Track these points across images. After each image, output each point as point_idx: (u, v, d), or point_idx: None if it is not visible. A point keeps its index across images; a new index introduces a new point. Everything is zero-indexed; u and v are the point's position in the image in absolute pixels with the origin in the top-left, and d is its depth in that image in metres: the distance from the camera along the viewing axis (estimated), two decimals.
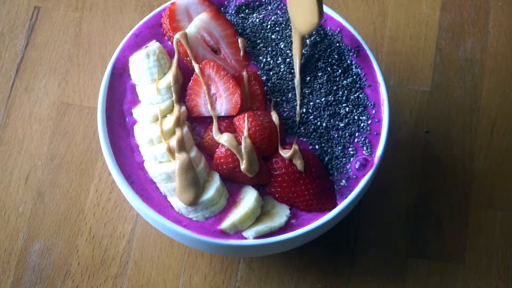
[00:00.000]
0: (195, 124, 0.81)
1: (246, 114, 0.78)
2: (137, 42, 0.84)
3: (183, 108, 0.79)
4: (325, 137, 0.81)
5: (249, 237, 0.77)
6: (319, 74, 0.83)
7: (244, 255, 0.88)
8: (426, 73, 1.02)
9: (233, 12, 0.86)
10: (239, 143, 0.77)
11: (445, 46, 1.03)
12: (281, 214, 0.79)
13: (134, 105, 0.82)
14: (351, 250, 0.92)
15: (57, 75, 1.00)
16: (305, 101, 0.82)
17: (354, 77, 0.83)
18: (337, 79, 0.83)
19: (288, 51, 0.83)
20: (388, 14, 1.05)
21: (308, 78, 0.82)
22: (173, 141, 0.77)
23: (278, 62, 0.83)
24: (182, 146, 0.77)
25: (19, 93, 0.99)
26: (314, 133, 0.81)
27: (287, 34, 0.84)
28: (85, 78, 1.00)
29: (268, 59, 0.83)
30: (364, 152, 0.81)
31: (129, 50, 0.84)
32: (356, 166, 0.80)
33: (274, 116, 0.80)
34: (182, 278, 0.91)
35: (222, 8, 0.87)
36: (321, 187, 0.79)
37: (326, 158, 0.81)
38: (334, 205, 0.79)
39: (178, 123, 0.78)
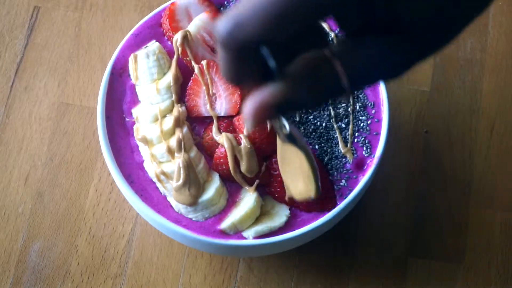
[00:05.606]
0: (195, 124, 0.81)
1: None
2: (137, 42, 0.84)
3: (183, 108, 0.79)
4: (325, 137, 0.81)
5: (249, 237, 0.77)
6: None
7: (244, 255, 0.88)
8: (426, 73, 1.01)
9: None
10: (239, 143, 0.77)
11: None
12: (281, 214, 0.79)
13: (134, 105, 0.82)
14: (351, 250, 0.92)
15: (57, 75, 1.00)
16: None
17: None
18: None
19: None
20: None
21: None
22: (173, 141, 0.77)
23: None
24: (181, 146, 0.77)
25: (19, 93, 0.99)
26: (314, 133, 0.81)
27: None
28: (85, 78, 1.00)
29: None
30: (364, 152, 0.81)
31: (129, 50, 0.83)
32: (356, 166, 0.80)
33: None
34: (182, 278, 0.91)
35: (222, 8, 0.87)
36: (321, 187, 0.79)
37: (326, 158, 0.81)
38: (334, 205, 0.79)
39: (178, 123, 0.78)
